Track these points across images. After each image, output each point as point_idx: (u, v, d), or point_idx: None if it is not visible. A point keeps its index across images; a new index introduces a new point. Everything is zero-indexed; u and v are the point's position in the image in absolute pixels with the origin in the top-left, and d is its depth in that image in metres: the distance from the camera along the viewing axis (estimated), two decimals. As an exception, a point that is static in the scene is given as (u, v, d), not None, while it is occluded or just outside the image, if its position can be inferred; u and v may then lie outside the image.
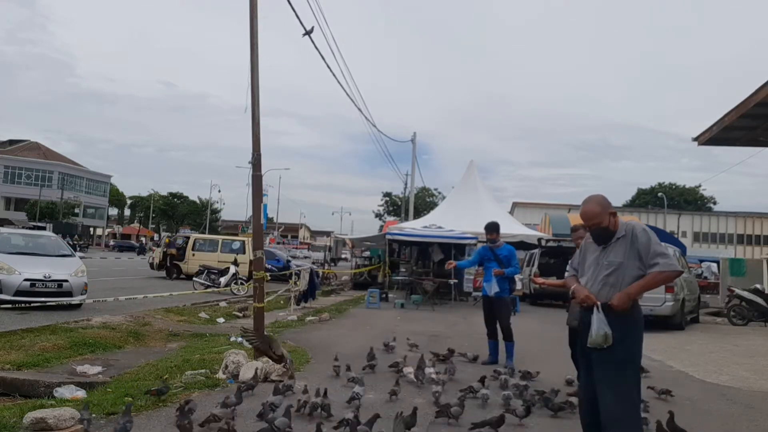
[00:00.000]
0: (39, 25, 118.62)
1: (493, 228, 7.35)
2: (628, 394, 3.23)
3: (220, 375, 5.77)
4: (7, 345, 6.86)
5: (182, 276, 20.69)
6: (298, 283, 13.62)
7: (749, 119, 11.94)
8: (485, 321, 7.31)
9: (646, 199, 72.54)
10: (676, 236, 34.35)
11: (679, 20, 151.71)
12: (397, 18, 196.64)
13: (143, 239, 61.15)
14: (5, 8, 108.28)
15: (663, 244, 3.43)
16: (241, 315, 11.73)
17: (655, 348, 9.00)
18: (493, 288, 7.15)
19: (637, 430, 3.29)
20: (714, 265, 21.82)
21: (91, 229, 76.36)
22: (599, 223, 3.36)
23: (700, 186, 71.15)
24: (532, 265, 17.67)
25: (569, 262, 3.86)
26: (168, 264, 21.65)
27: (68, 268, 11.07)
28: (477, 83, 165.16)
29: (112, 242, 70.18)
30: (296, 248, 60.96)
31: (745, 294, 13.79)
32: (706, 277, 20.84)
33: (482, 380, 5.34)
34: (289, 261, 24.68)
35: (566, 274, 3.86)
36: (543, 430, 4.55)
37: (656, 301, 10.98)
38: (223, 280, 16.47)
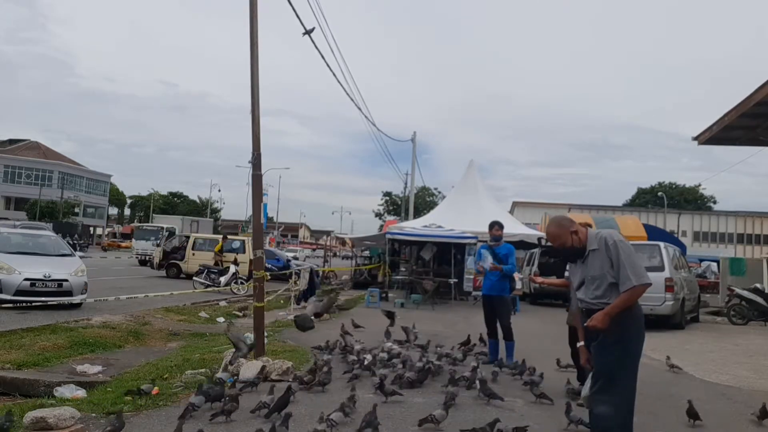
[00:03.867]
0: (39, 24, 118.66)
1: (500, 224, 7.51)
2: (619, 403, 3.27)
3: (221, 374, 5.77)
4: (8, 344, 6.87)
5: (182, 275, 20.72)
6: (298, 282, 13.64)
7: (749, 118, 11.91)
8: (485, 320, 7.32)
9: (646, 199, 72.53)
10: (675, 235, 34.37)
11: (679, 19, 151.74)
12: (396, 17, 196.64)
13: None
14: (5, 8, 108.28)
15: (635, 246, 3.55)
16: (241, 314, 11.74)
17: (655, 347, 9.00)
18: (489, 275, 7.21)
19: None
20: (714, 265, 21.81)
21: (91, 229, 76.33)
22: (563, 244, 3.46)
23: (700, 185, 71.22)
24: (532, 265, 17.67)
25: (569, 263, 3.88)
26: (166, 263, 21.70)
27: (68, 268, 11.08)
28: (477, 83, 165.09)
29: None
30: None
31: (745, 293, 13.78)
32: (706, 277, 20.84)
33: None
34: (289, 261, 24.67)
35: (566, 273, 3.87)
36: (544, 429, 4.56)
37: (656, 300, 10.98)
38: (223, 279, 16.48)
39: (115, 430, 3.78)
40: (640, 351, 3.42)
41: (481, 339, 7.85)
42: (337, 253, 30.98)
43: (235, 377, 5.63)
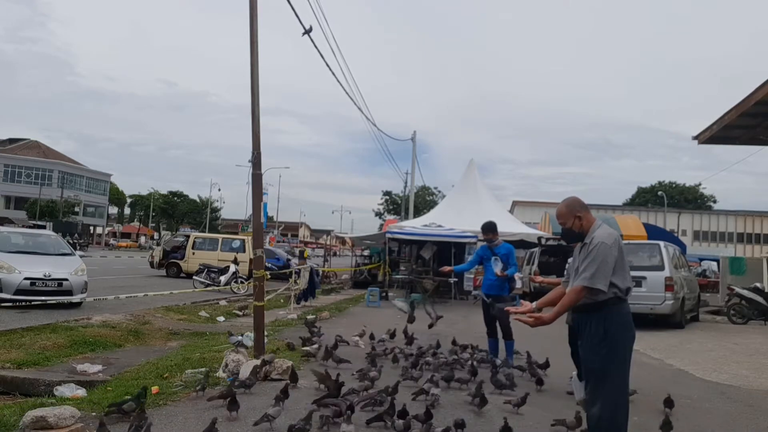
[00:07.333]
0: (39, 23, 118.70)
1: (489, 228, 7.33)
2: (610, 403, 3.23)
3: (220, 373, 5.77)
4: (8, 343, 6.87)
5: (182, 275, 20.73)
6: (298, 281, 13.63)
7: (749, 118, 11.94)
8: (485, 319, 7.32)
9: (646, 198, 72.51)
10: (675, 235, 34.35)
11: (679, 18, 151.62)
12: (396, 17, 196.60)
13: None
14: (5, 7, 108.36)
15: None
16: (241, 314, 11.74)
17: (655, 346, 9.02)
18: (489, 275, 7.20)
19: None
20: (714, 264, 21.82)
21: (91, 228, 76.36)
22: (564, 223, 3.56)
23: (700, 184, 71.24)
24: (532, 264, 17.68)
25: (569, 260, 3.88)
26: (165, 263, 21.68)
27: (68, 267, 11.08)
28: (477, 82, 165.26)
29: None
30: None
31: (745, 292, 13.77)
32: (706, 276, 20.84)
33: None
34: (289, 260, 24.67)
35: (565, 273, 3.87)
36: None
37: (656, 299, 10.99)
38: (223, 278, 16.48)
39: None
40: (629, 350, 3.35)
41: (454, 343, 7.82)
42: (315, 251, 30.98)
43: (235, 376, 5.64)
